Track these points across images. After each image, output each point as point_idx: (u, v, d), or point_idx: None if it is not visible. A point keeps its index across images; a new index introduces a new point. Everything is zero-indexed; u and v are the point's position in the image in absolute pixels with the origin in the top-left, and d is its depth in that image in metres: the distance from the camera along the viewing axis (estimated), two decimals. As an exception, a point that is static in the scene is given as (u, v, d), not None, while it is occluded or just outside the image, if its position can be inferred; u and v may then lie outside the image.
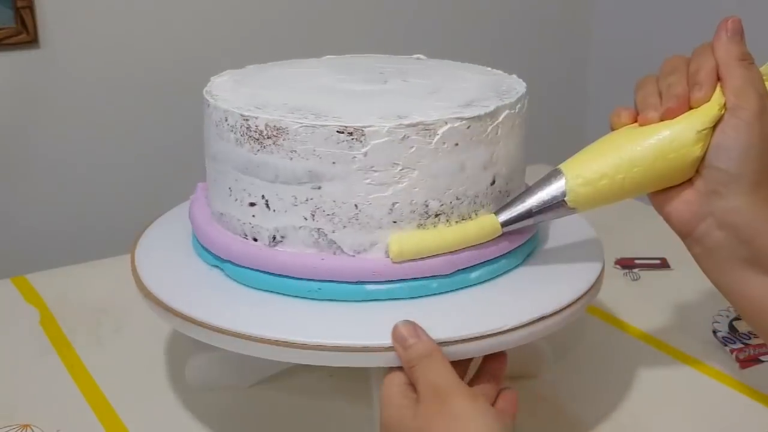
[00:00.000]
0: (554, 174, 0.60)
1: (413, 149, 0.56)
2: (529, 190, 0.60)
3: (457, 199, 0.59)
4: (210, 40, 1.28)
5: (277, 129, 0.56)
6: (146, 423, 0.68)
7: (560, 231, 0.70)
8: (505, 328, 0.57)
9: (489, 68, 0.72)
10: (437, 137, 0.57)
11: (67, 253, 1.11)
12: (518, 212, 0.60)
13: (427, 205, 0.58)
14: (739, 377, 0.74)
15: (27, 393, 0.72)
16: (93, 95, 1.22)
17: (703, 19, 1.43)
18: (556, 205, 0.59)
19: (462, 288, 0.60)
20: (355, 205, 0.57)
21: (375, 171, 0.56)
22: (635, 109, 0.60)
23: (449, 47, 1.40)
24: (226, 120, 0.59)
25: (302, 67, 0.71)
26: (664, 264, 0.92)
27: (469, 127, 0.58)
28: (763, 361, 0.76)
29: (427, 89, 0.64)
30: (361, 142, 0.55)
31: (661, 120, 0.58)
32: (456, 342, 0.55)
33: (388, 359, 0.55)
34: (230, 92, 0.63)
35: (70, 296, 0.86)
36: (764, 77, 0.59)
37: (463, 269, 0.60)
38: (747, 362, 0.75)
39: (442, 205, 0.58)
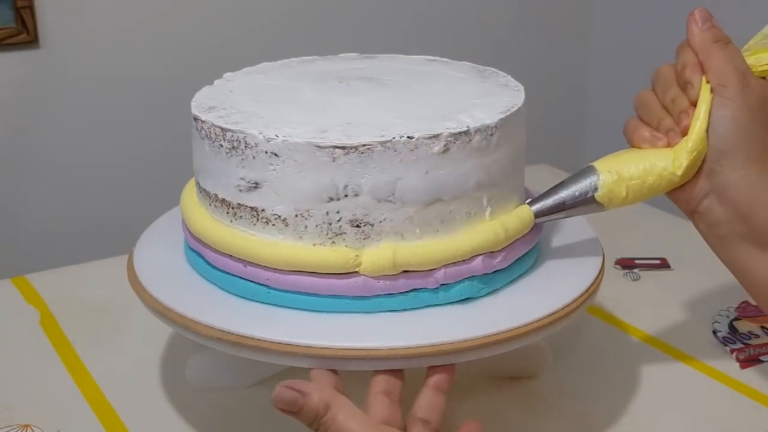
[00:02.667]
0: (588, 170, 0.62)
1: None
2: (561, 184, 0.62)
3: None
4: (210, 39, 1.28)
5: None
6: (146, 423, 0.68)
7: (560, 231, 0.70)
8: (505, 329, 0.57)
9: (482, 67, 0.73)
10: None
11: (67, 253, 1.12)
12: (551, 204, 0.62)
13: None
14: (739, 377, 0.74)
15: (27, 393, 0.72)
16: (93, 95, 1.22)
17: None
18: (586, 200, 0.61)
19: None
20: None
21: None
22: (655, 135, 0.62)
23: (449, 47, 1.40)
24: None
25: (277, 78, 0.70)
26: (664, 264, 0.92)
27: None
28: (763, 361, 0.76)
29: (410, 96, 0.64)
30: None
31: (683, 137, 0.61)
32: (456, 345, 0.55)
33: (390, 363, 0.55)
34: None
35: (70, 296, 0.86)
36: (754, 50, 0.62)
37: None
38: (747, 362, 0.75)
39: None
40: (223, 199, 0.60)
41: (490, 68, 0.71)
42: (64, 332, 0.80)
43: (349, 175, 0.56)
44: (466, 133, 0.57)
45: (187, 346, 0.75)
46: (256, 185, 0.58)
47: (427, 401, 0.54)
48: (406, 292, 0.58)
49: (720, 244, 0.61)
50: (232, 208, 0.60)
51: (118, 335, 0.80)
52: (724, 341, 0.78)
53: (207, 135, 0.60)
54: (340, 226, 0.57)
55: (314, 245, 0.57)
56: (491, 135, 0.58)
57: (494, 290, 0.61)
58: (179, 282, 0.63)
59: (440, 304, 0.59)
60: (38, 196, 1.23)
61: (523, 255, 0.62)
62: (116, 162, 1.26)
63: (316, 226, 0.57)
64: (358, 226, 0.57)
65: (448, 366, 0.55)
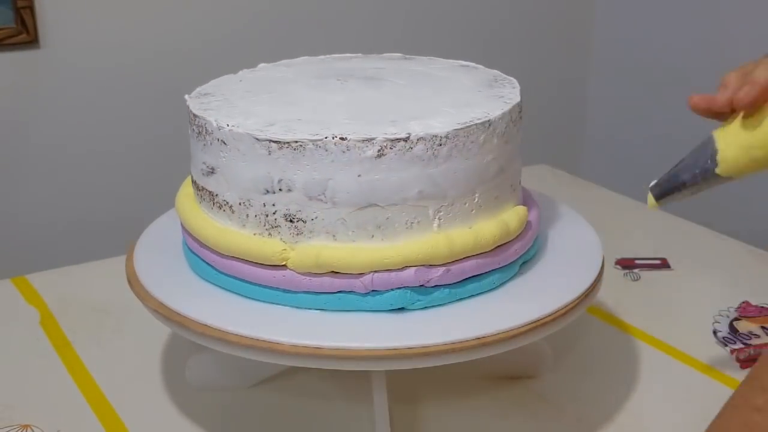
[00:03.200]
0: (707, 141, 0.59)
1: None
2: (681, 162, 0.60)
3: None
4: (211, 39, 1.28)
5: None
6: (146, 423, 0.68)
7: (560, 231, 0.70)
8: (506, 329, 0.57)
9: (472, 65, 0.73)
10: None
11: (67, 253, 1.11)
12: (670, 186, 0.60)
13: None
14: (739, 377, 0.74)
15: (27, 393, 0.72)
16: (93, 95, 1.22)
17: (703, 19, 1.43)
18: (706, 172, 0.58)
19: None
20: None
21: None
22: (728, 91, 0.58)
23: (449, 47, 1.40)
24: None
25: (288, 76, 0.71)
26: (664, 264, 0.92)
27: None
28: (763, 361, 0.75)
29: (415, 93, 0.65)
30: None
31: None
32: (457, 345, 0.55)
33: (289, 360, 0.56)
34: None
35: (70, 296, 0.86)
36: None
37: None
38: (747, 362, 0.75)
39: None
40: (195, 181, 0.64)
41: (510, 78, 0.69)
42: (64, 332, 0.80)
43: (283, 170, 0.57)
44: (406, 140, 0.56)
45: (187, 346, 0.75)
46: (212, 170, 0.61)
47: None
48: (333, 292, 0.58)
49: None
50: (198, 189, 0.63)
51: (118, 335, 0.80)
52: (724, 341, 0.78)
53: (189, 119, 0.63)
54: (275, 219, 0.58)
55: (254, 234, 0.59)
56: (440, 145, 0.57)
57: (434, 305, 0.59)
58: (178, 281, 0.63)
59: (371, 311, 0.58)
60: (38, 195, 1.23)
61: (482, 273, 0.60)
62: (116, 162, 1.26)
63: (256, 216, 0.59)
64: (291, 221, 0.58)
65: None
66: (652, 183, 0.61)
